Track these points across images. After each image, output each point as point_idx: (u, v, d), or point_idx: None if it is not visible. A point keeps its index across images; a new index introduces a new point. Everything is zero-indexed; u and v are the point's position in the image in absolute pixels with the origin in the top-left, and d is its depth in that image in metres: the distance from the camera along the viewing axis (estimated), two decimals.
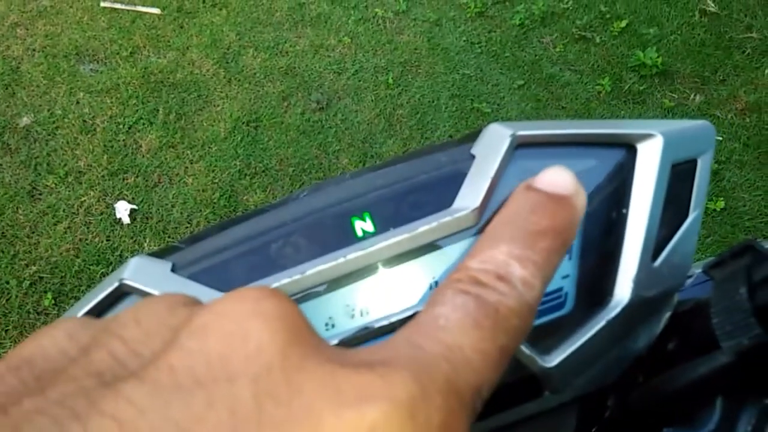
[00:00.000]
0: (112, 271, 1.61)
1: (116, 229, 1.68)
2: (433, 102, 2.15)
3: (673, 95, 2.24)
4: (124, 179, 1.78)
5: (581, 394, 0.33)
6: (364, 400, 0.14)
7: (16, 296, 1.52)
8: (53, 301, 1.52)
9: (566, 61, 2.34)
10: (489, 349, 0.17)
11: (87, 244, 1.64)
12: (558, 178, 0.20)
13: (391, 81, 2.18)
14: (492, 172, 0.27)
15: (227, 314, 0.15)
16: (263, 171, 1.90)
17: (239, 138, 1.95)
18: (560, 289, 0.31)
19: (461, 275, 0.18)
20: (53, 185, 1.73)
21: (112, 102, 1.94)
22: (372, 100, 2.13)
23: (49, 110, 1.89)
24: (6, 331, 1.47)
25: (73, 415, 0.13)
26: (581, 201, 0.20)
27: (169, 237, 1.70)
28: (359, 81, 2.18)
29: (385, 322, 0.27)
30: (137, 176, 1.79)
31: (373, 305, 0.28)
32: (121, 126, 1.89)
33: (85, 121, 1.88)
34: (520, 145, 0.29)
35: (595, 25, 2.49)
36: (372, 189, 0.28)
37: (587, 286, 0.31)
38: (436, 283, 0.28)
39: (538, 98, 2.19)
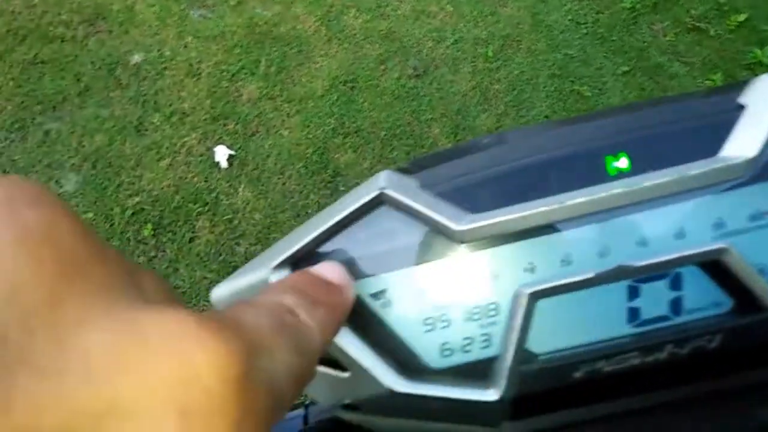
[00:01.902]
0: (208, 210, 1.67)
1: (213, 172, 1.73)
2: (531, 80, 2.10)
3: None
4: (224, 125, 1.83)
5: None
6: (181, 352, 0.11)
7: (119, 223, 1.60)
8: (152, 232, 1.59)
9: (676, 51, 2.23)
10: (293, 365, 0.16)
11: (186, 182, 1.70)
12: (329, 269, 0.24)
13: (490, 54, 2.14)
14: None
15: None
16: (355, 132, 1.92)
17: (335, 97, 1.97)
18: None
19: (253, 304, 0.18)
20: (158, 123, 1.80)
21: (217, 48, 1.99)
22: (469, 72, 2.10)
23: (158, 51, 1.96)
24: None
25: None
26: (350, 294, 0.24)
27: (262, 185, 1.74)
28: (458, 51, 2.15)
29: (638, 263, 0.27)
30: (237, 123, 1.84)
31: (619, 246, 0.27)
32: (224, 73, 1.94)
33: (191, 64, 1.94)
34: None
35: (711, 16, 2.36)
36: (628, 129, 0.28)
37: None
38: (683, 233, 0.28)
39: (642, 87, 2.11)
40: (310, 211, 1.75)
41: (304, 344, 0.18)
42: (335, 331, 0.22)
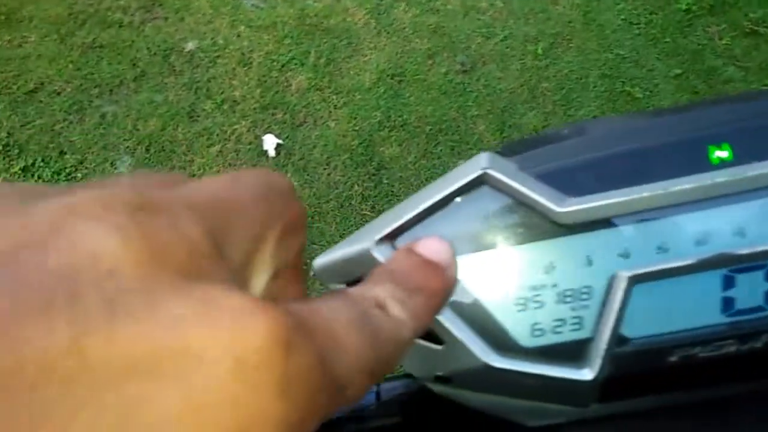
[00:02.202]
0: None
1: (261, 160, 1.76)
2: (581, 79, 2.07)
3: None
4: (273, 114, 1.86)
5: None
6: (238, 323, 0.13)
7: None
8: None
9: (732, 55, 2.18)
10: (364, 356, 0.17)
11: (235, 169, 1.73)
12: (437, 247, 0.22)
13: (540, 52, 2.12)
14: None
15: (73, 226, 0.13)
16: (401, 125, 1.92)
17: (382, 90, 1.98)
18: None
19: (342, 296, 0.18)
20: (210, 110, 1.83)
21: (269, 39, 2.02)
22: (517, 69, 2.08)
23: (212, 39, 2.00)
24: None
25: None
26: (453, 272, 0.22)
27: (308, 175, 1.77)
28: (507, 48, 2.14)
29: (740, 252, 0.27)
30: (285, 113, 1.86)
31: (716, 236, 0.28)
32: (275, 63, 1.97)
33: (243, 53, 1.97)
34: None
35: None
36: (731, 119, 0.28)
37: None
38: None
39: (695, 90, 2.06)
40: (353, 202, 1.77)
41: (385, 339, 0.18)
42: (432, 317, 0.22)
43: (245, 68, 1.94)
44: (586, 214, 0.27)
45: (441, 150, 1.90)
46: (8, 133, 1.75)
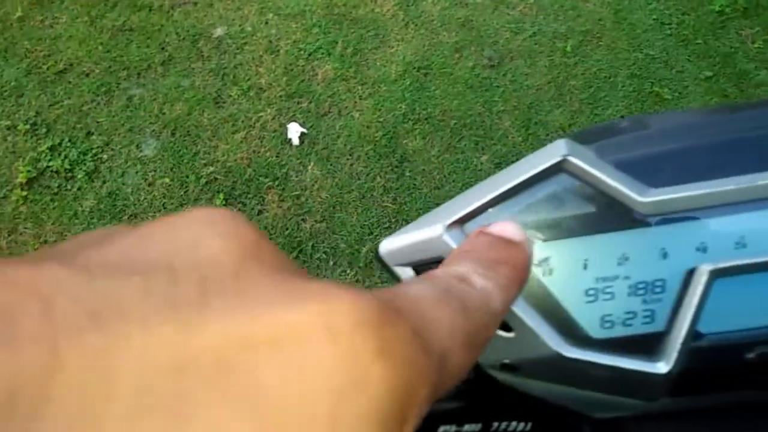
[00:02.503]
0: (278, 185, 1.70)
1: (285, 148, 1.76)
2: (609, 78, 2.05)
3: None
4: (298, 103, 1.85)
5: None
6: (328, 301, 0.14)
7: (193, 191, 1.65)
8: (224, 202, 1.64)
9: (764, 59, 2.14)
10: (457, 325, 0.17)
11: (258, 156, 1.74)
12: (508, 227, 0.22)
13: (568, 49, 2.09)
14: None
15: (176, 226, 0.15)
16: (426, 119, 1.91)
17: (408, 82, 1.97)
18: None
19: (423, 278, 0.19)
20: (236, 96, 1.84)
21: (297, 27, 2.02)
22: (545, 66, 2.06)
23: (240, 26, 2.00)
24: None
25: None
26: (530, 249, 0.22)
27: (331, 165, 1.76)
28: (535, 44, 2.12)
29: None
30: (310, 102, 1.86)
31: None
32: (302, 52, 1.96)
33: (271, 41, 1.97)
34: None
35: None
36: None
37: None
38: None
39: (725, 93, 2.03)
40: (375, 194, 1.76)
41: (474, 308, 0.18)
42: (519, 287, 0.22)
43: (272, 56, 1.94)
44: (667, 205, 0.26)
45: (465, 144, 1.89)
46: (36, 112, 1.76)
